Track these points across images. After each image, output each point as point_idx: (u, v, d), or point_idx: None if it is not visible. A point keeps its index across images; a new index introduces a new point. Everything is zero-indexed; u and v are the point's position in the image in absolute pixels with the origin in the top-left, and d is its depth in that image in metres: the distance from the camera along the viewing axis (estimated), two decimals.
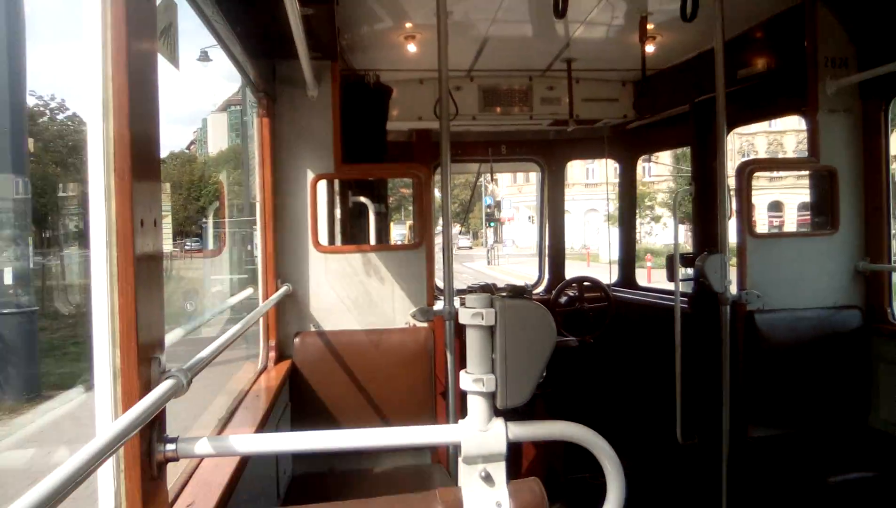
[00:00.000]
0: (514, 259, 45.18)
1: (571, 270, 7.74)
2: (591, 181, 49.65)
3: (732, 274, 4.39)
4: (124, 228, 1.57)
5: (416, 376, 4.17)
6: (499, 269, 40.94)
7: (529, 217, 57.10)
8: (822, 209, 4.87)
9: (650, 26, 5.07)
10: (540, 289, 7.73)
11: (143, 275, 1.62)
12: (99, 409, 1.60)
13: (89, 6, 1.54)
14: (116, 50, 1.55)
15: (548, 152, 7.69)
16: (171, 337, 2.46)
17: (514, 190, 62.33)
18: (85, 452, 1.24)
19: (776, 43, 4.99)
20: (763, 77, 5.12)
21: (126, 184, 1.57)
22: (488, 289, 5.89)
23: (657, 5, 4.77)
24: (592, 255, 40.87)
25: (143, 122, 1.66)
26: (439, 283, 4.52)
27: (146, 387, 1.64)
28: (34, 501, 1.05)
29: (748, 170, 4.51)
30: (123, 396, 1.58)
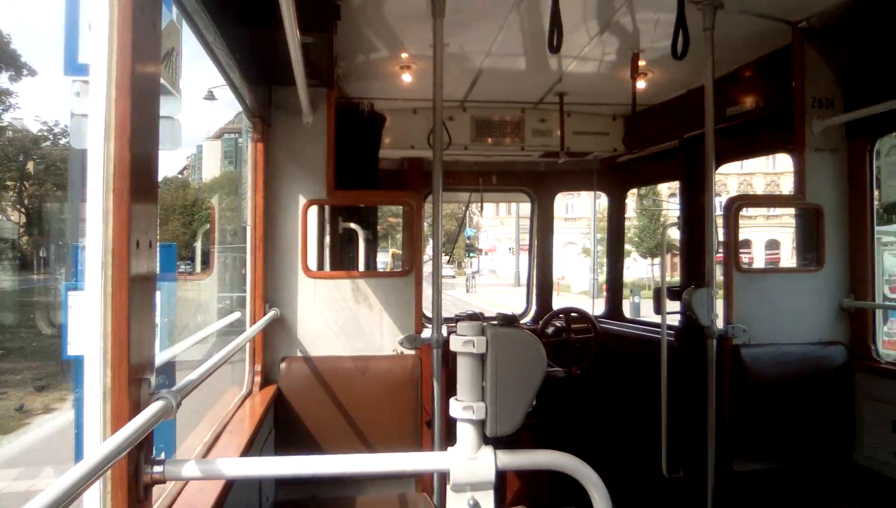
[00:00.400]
0: (492, 289, 48.97)
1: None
2: (570, 215, 54.12)
3: (719, 308, 4.43)
4: (120, 248, 1.58)
5: (402, 404, 4.15)
6: (475, 297, 43.30)
7: (510, 249, 60.02)
8: (809, 246, 4.93)
9: (642, 63, 5.16)
10: (527, 319, 7.74)
11: (136, 296, 1.62)
12: (88, 429, 1.59)
13: (97, 29, 1.56)
14: (121, 73, 1.57)
15: (538, 184, 7.75)
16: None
17: (497, 222, 63.63)
18: (74, 473, 1.23)
19: (765, 82, 5.09)
20: (751, 115, 5.21)
21: (124, 205, 1.58)
22: (476, 318, 5.90)
23: (649, 43, 4.86)
24: (563, 286, 42.66)
25: (144, 144, 1.68)
26: (426, 312, 4.52)
27: (135, 408, 1.63)
28: None
29: (735, 205, 4.57)
30: (113, 417, 1.58)
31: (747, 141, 5.56)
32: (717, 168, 4.62)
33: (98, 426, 1.58)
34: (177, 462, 1.76)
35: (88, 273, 1.57)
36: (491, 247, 67.28)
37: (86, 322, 1.57)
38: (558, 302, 7.81)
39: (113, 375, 1.58)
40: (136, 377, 1.64)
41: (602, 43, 4.87)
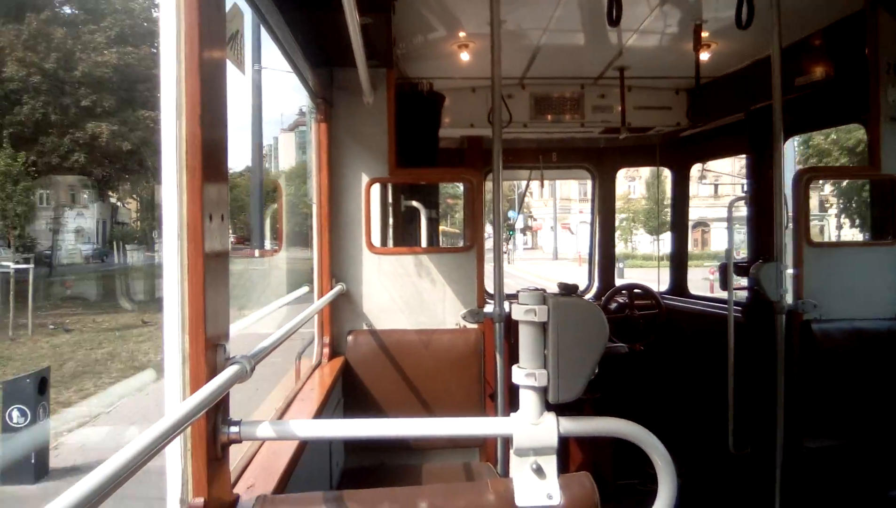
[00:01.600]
0: (531, 261, 54.91)
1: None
2: (584, 197, 56.86)
3: (787, 284, 4.33)
4: (194, 223, 1.67)
5: (465, 377, 4.22)
6: (514, 268, 47.36)
7: (551, 227, 67.00)
8: (883, 219, 4.76)
9: (705, 34, 5.03)
10: (590, 295, 7.71)
11: (210, 268, 1.72)
12: (168, 391, 1.70)
13: (165, 14, 1.65)
14: (190, 55, 1.66)
15: (599, 160, 7.67)
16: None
17: (541, 203, 66.32)
18: (155, 430, 1.33)
19: (835, 50, 4.90)
20: (821, 85, 5.03)
21: (197, 181, 1.67)
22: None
23: (712, 13, 4.73)
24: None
25: (213, 123, 1.76)
26: (488, 288, 4.57)
27: (212, 372, 1.73)
28: (109, 473, 1.14)
29: (806, 178, 4.44)
30: (191, 380, 1.68)
31: (817, 112, 5.37)
32: (786, 140, 4.49)
33: (178, 388, 1.69)
34: (252, 423, 1.87)
35: (166, 246, 1.68)
36: (537, 226, 72.17)
37: (165, 292, 1.68)
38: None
39: (191, 341, 1.68)
40: (212, 344, 1.74)
41: (663, 14, 4.77)
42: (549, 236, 67.86)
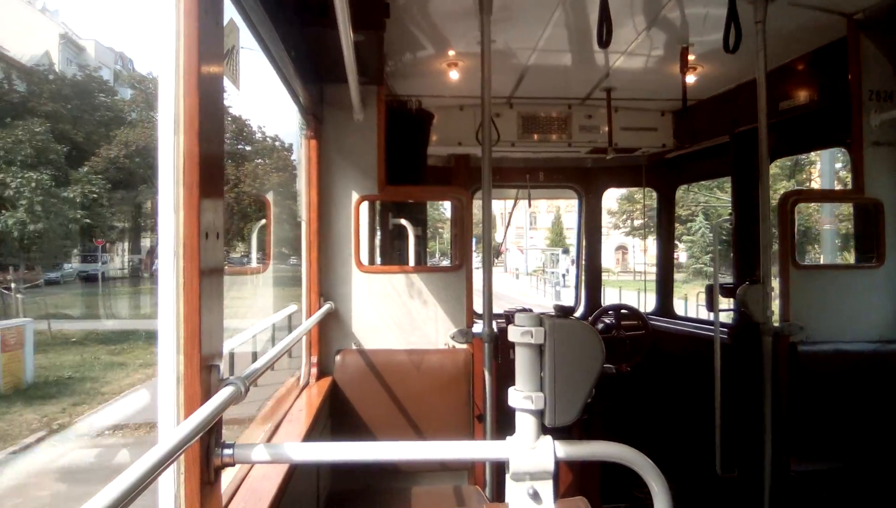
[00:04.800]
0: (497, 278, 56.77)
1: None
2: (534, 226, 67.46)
3: (774, 306, 4.36)
4: (191, 239, 1.64)
5: (454, 397, 4.19)
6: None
7: (519, 247, 70.83)
8: (867, 242, 4.81)
9: (691, 57, 5.09)
10: (577, 315, 7.71)
11: (206, 286, 1.69)
12: (162, 413, 1.66)
13: (164, 28, 1.63)
14: (188, 70, 1.63)
15: (585, 180, 7.71)
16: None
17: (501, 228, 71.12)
18: (151, 457, 1.30)
19: (819, 75, 4.98)
20: (805, 109, 5.10)
21: (194, 198, 1.64)
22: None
23: (699, 37, 4.79)
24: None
25: (211, 139, 1.74)
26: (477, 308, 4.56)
27: (206, 393, 1.70)
28: (108, 499, 1.10)
29: (791, 200, 4.48)
30: (186, 401, 1.64)
31: (801, 136, 5.44)
32: (770, 163, 4.54)
33: (172, 410, 1.65)
34: (245, 445, 1.83)
35: (162, 263, 1.64)
36: (503, 248, 76.88)
37: (160, 311, 1.64)
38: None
39: (186, 362, 1.65)
40: (206, 364, 1.71)
41: (650, 38, 4.82)
42: (508, 256, 72.34)
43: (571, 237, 60.45)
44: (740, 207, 6.01)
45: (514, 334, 1.84)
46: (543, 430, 1.85)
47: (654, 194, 7.74)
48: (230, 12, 2.27)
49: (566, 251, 59.25)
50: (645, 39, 4.84)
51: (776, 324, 4.32)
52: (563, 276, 51.27)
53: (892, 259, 4.47)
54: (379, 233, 5.79)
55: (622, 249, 63.78)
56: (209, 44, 1.73)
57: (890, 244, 4.47)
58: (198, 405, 1.62)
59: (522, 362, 1.83)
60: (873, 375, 4.33)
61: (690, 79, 5.42)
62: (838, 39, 4.51)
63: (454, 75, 5.45)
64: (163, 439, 1.41)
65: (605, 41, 3.50)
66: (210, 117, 1.73)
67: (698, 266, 47.17)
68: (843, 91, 4.50)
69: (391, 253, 6.11)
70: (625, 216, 57.54)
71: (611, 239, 60.05)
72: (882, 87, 4.42)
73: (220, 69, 1.87)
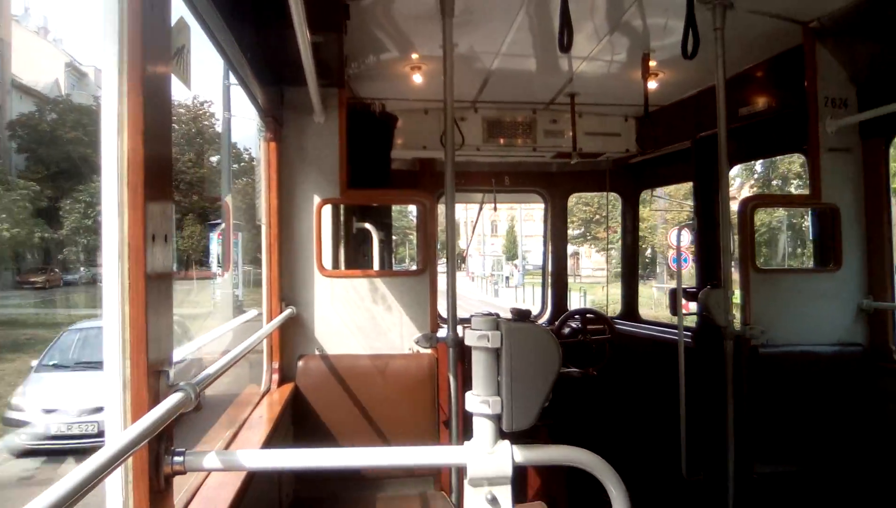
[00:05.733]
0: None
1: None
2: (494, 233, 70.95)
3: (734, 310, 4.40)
4: (136, 242, 1.59)
5: (419, 402, 4.16)
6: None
7: (479, 253, 72.37)
8: (825, 246, 4.89)
9: (652, 63, 5.14)
10: (543, 320, 7.73)
11: (153, 289, 1.64)
12: (108, 419, 1.61)
13: (107, 25, 1.58)
14: (132, 68, 1.59)
15: (551, 184, 7.74)
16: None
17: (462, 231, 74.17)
18: (94, 461, 1.25)
19: (777, 82, 5.06)
20: (764, 115, 5.18)
21: (139, 199, 1.60)
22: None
23: (659, 43, 4.84)
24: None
25: (157, 139, 1.69)
26: (442, 312, 4.53)
27: (155, 399, 1.65)
28: (48, 503, 1.06)
29: (750, 205, 4.54)
30: (133, 407, 1.60)
31: (760, 141, 5.52)
32: (730, 169, 4.59)
33: (119, 416, 1.60)
34: (197, 453, 1.78)
35: (105, 267, 1.59)
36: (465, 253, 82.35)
37: (105, 315, 1.59)
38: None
39: (132, 366, 1.60)
40: (154, 369, 1.66)
41: (612, 43, 4.86)
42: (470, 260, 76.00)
43: (528, 244, 65.72)
44: (702, 211, 6.08)
45: (470, 338, 1.82)
46: (502, 435, 1.83)
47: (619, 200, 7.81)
48: (180, 10, 2.22)
49: (511, 258, 66.00)
50: (607, 45, 4.88)
51: (738, 327, 4.36)
52: (507, 278, 57.05)
53: (848, 263, 4.54)
54: (343, 237, 5.73)
55: (575, 255, 65.67)
56: (155, 41, 1.69)
57: (847, 248, 4.54)
58: (145, 410, 1.58)
59: (479, 366, 1.82)
60: (832, 377, 4.40)
61: (652, 85, 5.47)
62: (795, 47, 4.58)
63: (418, 79, 5.43)
64: (108, 443, 1.36)
65: (566, 45, 3.51)
66: (156, 117, 1.69)
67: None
68: (801, 98, 4.57)
69: (355, 258, 6.05)
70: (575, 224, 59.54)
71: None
72: (837, 94, 4.50)
73: (167, 68, 1.83)
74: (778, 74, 5.01)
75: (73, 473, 1.18)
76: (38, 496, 1.08)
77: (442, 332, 4.17)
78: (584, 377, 6.33)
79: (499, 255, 70.65)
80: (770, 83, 5.13)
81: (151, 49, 1.64)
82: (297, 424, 4.05)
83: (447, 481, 4.18)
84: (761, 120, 5.22)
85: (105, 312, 1.59)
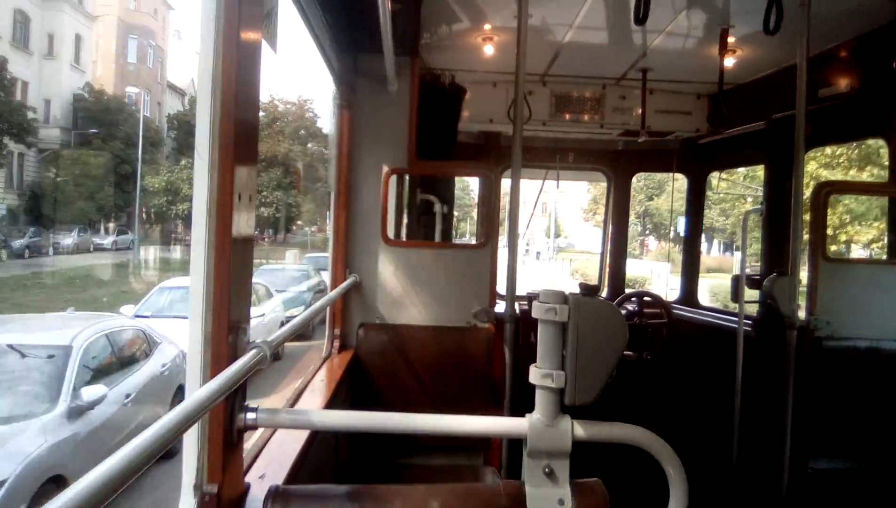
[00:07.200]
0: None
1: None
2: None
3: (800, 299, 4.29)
4: (225, 202, 1.65)
5: (474, 376, 4.19)
6: None
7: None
8: None
9: (731, 39, 4.96)
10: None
11: (238, 248, 1.70)
12: (190, 372, 1.68)
13: None
14: (228, 33, 1.63)
15: (615, 163, 7.62)
16: None
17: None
18: (177, 413, 1.31)
19: (862, 63, 4.84)
20: (846, 97, 4.97)
21: (228, 160, 1.65)
22: None
23: (740, 17, 4.68)
24: None
25: (246, 104, 1.74)
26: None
27: (232, 355, 1.71)
28: (132, 456, 1.11)
29: (825, 192, 4.39)
30: (212, 362, 1.66)
31: (839, 125, 5.31)
32: (806, 152, 4.44)
33: (199, 370, 1.66)
34: (268, 410, 1.85)
35: (195, 225, 1.65)
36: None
37: (192, 272, 1.65)
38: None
39: (214, 323, 1.66)
40: (234, 326, 1.72)
41: (689, 17, 4.72)
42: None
43: (565, 224, 68.80)
44: (773, 196, 5.91)
45: (537, 310, 1.82)
46: (563, 409, 1.84)
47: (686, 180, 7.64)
48: None
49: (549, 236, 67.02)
50: (684, 19, 4.74)
51: (802, 318, 4.25)
52: (538, 254, 59.76)
53: None
54: (406, 208, 5.77)
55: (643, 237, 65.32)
56: (249, 4, 1.73)
57: None
58: (224, 366, 1.64)
59: (545, 339, 1.82)
60: None
61: (729, 62, 5.30)
62: (884, 25, 4.38)
63: (489, 50, 5.39)
64: (189, 397, 1.42)
65: (642, 17, 3.44)
66: (246, 81, 1.73)
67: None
68: (887, 80, 4.38)
69: (417, 229, 6.10)
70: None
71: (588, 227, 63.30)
72: None
73: (258, 33, 1.87)
74: (863, 54, 4.79)
75: (157, 424, 1.23)
76: (128, 443, 1.14)
77: (499, 307, 4.19)
78: (637, 361, 6.27)
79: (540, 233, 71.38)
80: (855, 63, 4.91)
81: (246, 12, 1.68)
82: (355, 390, 4.14)
83: (497, 456, 4.22)
84: (842, 102, 5.02)
85: (192, 268, 1.65)
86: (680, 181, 7.85)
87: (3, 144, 37.53)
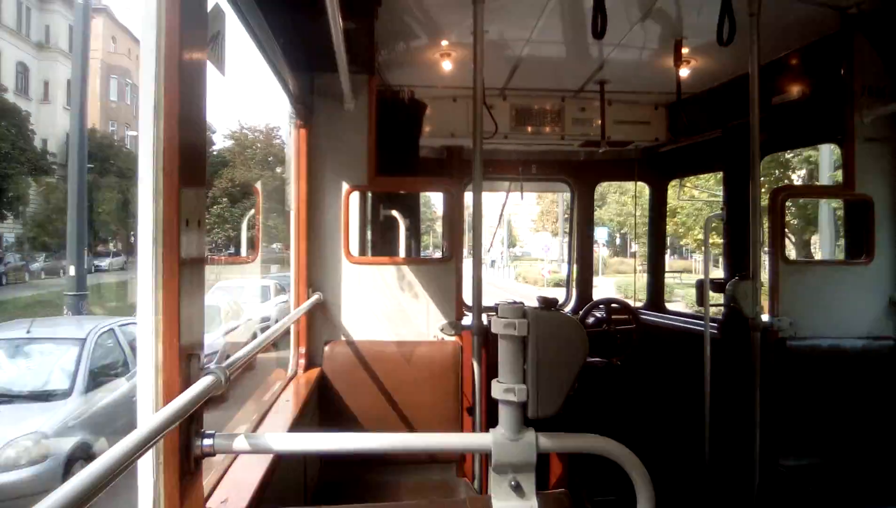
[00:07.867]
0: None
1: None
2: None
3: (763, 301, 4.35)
4: (171, 227, 1.62)
5: (443, 390, 4.18)
6: None
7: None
8: (857, 238, 4.81)
9: (685, 50, 5.06)
10: (567, 309, 7.70)
11: (186, 273, 1.67)
12: (141, 402, 1.64)
13: (147, 14, 1.59)
14: (169, 55, 1.60)
15: (578, 173, 7.68)
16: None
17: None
18: (127, 442, 1.27)
19: (812, 70, 4.95)
20: (798, 104, 5.08)
21: (174, 185, 1.62)
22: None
23: (692, 29, 4.77)
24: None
25: (192, 126, 1.71)
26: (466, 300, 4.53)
27: (186, 382, 1.68)
28: (76, 488, 1.08)
29: (781, 196, 4.47)
30: (164, 390, 1.62)
31: (793, 131, 5.42)
32: (762, 158, 4.52)
33: (150, 398, 1.62)
34: (226, 435, 1.81)
35: (141, 251, 1.61)
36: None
37: (139, 299, 1.61)
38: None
39: (164, 350, 1.62)
40: (186, 353, 1.69)
41: (644, 29, 4.79)
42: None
43: (520, 234, 71.17)
44: (731, 202, 6.00)
45: (497, 325, 1.82)
46: (527, 422, 1.83)
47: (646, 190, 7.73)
48: None
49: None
50: (639, 31, 4.81)
51: (765, 319, 4.31)
52: (493, 262, 59.39)
53: (881, 256, 4.47)
54: (370, 224, 5.75)
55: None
56: (192, 29, 1.70)
57: (879, 241, 4.47)
58: (177, 393, 1.60)
59: (505, 354, 1.82)
60: (861, 371, 4.34)
61: (684, 72, 5.40)
62: (832, 34, 4.49)
63: (447, 66, 5.41)
64: (140, 425, 1.39)
65: (599, 31, 3.48)
66: (191, 104, 1.70)
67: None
68: (836, 87, 4.48)
69: (382, 245, 6.08)
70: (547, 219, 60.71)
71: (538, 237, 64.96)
72: (875, 82, 4.40)
73: (203, 55, 1.84)
74: (813, 62, 4.91)
75: (106, 454, 1.21)
76: (72, 477, 1.10)
77: (467, 320, 4.18)
78: (607, 367, 6.30)
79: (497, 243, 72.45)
80: (805, 71, 5.02)
81: (189, 36, 1.66)
82: (323, 409, 4.09)
83: (469, 468, 4.20)
84: (794, 109, 5.13)
85: (139, 296, 1.61)
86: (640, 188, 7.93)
87: (21, 179, 39.83)
